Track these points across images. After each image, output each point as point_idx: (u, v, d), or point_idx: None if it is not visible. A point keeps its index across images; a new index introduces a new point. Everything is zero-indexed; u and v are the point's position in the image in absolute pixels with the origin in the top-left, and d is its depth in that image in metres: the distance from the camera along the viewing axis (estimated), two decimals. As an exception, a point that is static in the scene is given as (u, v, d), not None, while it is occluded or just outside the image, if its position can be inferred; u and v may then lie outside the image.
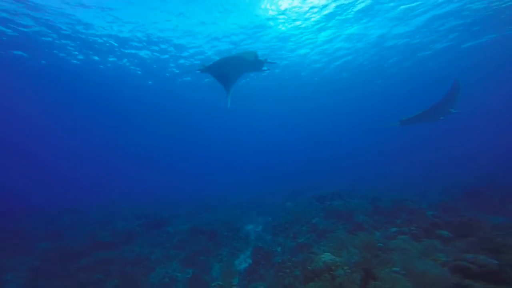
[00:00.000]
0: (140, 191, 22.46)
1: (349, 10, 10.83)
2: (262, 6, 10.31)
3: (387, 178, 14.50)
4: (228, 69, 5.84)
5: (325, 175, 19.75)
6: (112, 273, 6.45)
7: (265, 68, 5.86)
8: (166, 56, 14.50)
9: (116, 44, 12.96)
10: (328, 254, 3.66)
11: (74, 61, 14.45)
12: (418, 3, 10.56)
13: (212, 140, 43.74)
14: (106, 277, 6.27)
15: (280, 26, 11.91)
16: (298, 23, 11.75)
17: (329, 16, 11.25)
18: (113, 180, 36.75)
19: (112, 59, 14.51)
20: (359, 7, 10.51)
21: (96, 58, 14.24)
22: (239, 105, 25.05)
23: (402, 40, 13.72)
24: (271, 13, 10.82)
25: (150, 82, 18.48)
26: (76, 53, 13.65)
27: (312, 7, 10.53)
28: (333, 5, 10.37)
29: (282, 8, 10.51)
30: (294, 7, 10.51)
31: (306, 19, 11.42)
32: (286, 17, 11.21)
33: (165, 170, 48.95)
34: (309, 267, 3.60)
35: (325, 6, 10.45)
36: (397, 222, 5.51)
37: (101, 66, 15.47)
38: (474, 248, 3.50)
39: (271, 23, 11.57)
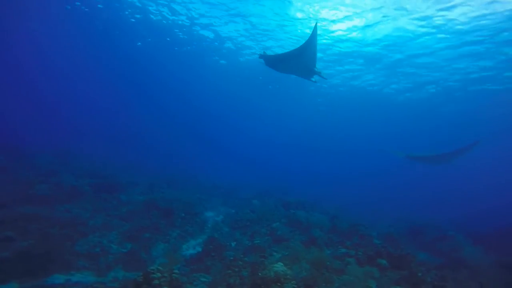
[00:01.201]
0: (108, 146, 20.52)
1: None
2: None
3: (356, 200, 15.79)
4: (283, 66, 6.11)
5: (302, 184, 20.62)
6: (29, 232, 5.58)
7: (313, 79, 6.08)
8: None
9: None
10: (281, 264, 3.87)
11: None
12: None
13: (206, 120, 41.90)
14: (19, 236, 5.33)
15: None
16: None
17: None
18: (81, 125, 32.68)
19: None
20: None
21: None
22: (241, 92, 24.42)
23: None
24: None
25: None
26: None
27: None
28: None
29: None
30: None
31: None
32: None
33: (146, 130, 45.10)
34: (259, 273, 3.77)
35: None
36: (347, 244, 6.10)
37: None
38: (402, 281, 4.07)
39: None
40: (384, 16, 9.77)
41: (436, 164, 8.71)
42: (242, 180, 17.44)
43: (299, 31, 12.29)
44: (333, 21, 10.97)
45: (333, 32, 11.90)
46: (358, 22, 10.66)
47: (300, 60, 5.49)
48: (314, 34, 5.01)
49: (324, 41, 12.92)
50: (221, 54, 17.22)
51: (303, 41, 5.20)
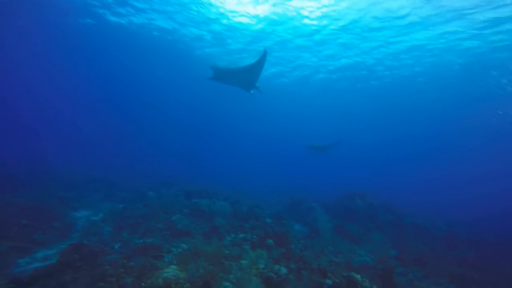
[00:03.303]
0: None
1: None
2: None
3: (256, 183, 17.83)
4: (230, 79, 6.73)
5: (207, 172, 20.45)
6: None
7: (252, 92, 6.89)
8: None
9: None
10: (174, 267, 3.57)
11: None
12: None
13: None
14: None
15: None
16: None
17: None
18: None
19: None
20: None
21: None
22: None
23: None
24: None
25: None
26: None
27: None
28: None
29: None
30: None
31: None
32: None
33: None
34: (143, 284, 3.27)
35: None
36: (245, 227, 6.79)
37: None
38: (281, 257, 5.10)
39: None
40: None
41: (322, 152, 12.33)
42: (135, 171, 14.75)
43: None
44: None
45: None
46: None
47: (248, 75, 6.32)
48: (264, 57, 5.84)
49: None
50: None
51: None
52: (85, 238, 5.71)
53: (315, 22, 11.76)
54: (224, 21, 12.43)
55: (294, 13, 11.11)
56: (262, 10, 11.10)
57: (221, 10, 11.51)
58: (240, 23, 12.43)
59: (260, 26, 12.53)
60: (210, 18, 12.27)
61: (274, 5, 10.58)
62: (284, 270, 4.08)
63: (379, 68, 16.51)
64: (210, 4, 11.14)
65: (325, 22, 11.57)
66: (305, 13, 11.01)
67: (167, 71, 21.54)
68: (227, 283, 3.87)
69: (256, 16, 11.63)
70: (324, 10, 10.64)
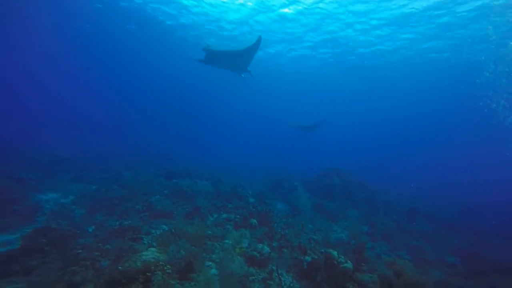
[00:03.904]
0: None
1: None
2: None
3: (240, 162, 17.81)
4: (220, 62, 6.80)
5: (191, 151, 19.83)
6: None
7: (243, 75, 7.07)
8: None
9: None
10: (153, 250, 3.48)
11: None
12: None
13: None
14: None
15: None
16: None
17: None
18: None
19: None
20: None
21: None
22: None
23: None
24: None
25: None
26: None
27: None
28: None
29: None
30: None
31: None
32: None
33: None
34: (120, 267, 3.15)
35: None
36: (228, 207, 6.85)
37: None
38: (264, 236, 5.28)
39: None
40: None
41: (307, 131, 12.42)
42: (110, 149, 13.75)
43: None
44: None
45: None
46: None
47: (242, 59, 6.40)
48: (258, 43, 5.90)
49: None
50: None
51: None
52: (54, 221, 5.31)
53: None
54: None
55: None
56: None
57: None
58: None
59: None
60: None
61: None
62: (266, 249, 4.23)
63: (359, 45, 16.31)
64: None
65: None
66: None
67: (142, 41, 19.39)
68: (210, 263, 3.93)
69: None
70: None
